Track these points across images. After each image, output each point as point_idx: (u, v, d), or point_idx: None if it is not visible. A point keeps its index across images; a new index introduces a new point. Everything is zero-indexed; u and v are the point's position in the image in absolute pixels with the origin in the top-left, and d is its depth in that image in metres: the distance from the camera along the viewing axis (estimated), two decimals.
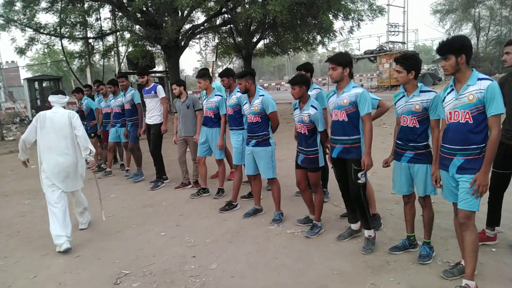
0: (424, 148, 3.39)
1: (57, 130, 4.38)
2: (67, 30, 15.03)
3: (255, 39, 18.71)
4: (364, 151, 3.64)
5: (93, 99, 8.48)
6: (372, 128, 3.65)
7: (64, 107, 4.66)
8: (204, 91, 5.78)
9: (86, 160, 4.61)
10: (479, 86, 2.82)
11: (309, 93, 4.93)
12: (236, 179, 5.27)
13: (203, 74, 5.75)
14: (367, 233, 3.86)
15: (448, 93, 3.02)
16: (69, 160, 4.43)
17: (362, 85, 26.97)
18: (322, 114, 4.11)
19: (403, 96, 3.45)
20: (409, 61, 3.33)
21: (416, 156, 3.41)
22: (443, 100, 3.06)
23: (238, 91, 5.11)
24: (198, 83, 5.80)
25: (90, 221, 5.09)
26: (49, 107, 4.67)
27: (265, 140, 4.63)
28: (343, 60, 3.67)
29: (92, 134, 8.19)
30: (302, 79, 4.15)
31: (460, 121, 2.90)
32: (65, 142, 4.41)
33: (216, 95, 5.64)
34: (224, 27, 18.26)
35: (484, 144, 2.86)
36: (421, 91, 3.35)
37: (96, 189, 5.03)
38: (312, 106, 4.09)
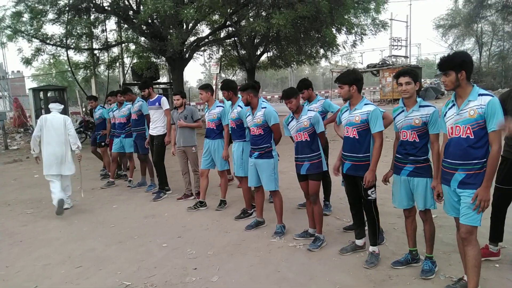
0: (424, 162, 3.41)
1: (55, 129, 6.05)
2: (73, 41, 15.28)
3: (258, 52, 18.91)
4: (370, 167, 3.65)
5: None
6: (382, 146, 3.66)
7: (60, 112, 6.26)
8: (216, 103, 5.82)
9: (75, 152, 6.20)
10: (480, 101, 2.84)
11: (314, 105, 5.04)
12: (244, 189, 5.32)
13: (205, 86, 5.87)
14: (372, 248, 3.85)
15: (449, 108, 3.04)
16: (62, 150, 6.06)
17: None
18: (320, 116, 4.26)
19: (402, 111, 3.49)
20: (415, 73, 3.43)
21: (416, 169, 3.42)
22: (445, 115, 3.08)
23: (239, 105, 5.17)
24: (200, 95, 5.87)
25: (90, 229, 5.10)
26: None
27: (267, 152, 4.65)
28: (348, 79, 3.71)
29: (103, 143, 8.38)
30: (295, 90, 4.32)
31: (461, 136, 2.92)
32: (59, 138, 6.06)
33: (217, 106, 5.68)
34: (228, 40, 18.48)
35: (485, 159, 2.87)
36: (420, 106, 3.38)
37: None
38: (309, 110, 4.26)
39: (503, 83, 25.73)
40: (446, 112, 3.07)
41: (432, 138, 3.33)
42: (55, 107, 6.22)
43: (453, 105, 3.01)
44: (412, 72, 3.41)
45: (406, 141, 3.45)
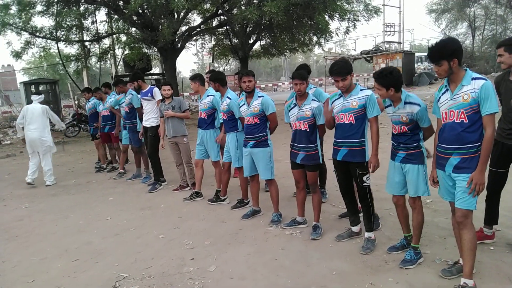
0: (415, 148, 3.40)
1: (35, 116, 7.41)
2: (63, 33, 15.04)
3: (251, 41, 18.77)
4: (372, 152, 3.66)
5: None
6: (379, 130, 3.69)
7: (40, 103, 7.68)
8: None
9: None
10: (474, 85, 2.84)
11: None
12: (241, 179, 5.31)
13: (194, 76, 5.83)
14: (367, 234, 3.87)
15: (443, 93, 3.04)
16: (39, 135, 7.40)
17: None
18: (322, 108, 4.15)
19: (390, 105, 3.47)
20: (385, 78, 3.31)
21: (408, 156, 3.43)
22: (438, 100, 3.07)
23: (228, 97, 5.14)
24: (191, 85, 5.84)
25: (87, 224, 5.08)
26: None
27: (263, 141, 4.64)
28: (347, 70, 3.67)
29: (97, 135, 8.42)
30: (306, 75, 4.21)
31: (456, 121, 2.92)
32: (38, 124, 7.42)
33: (208, 95, 5.64)
34: (220, 29, 18.31)
35: (479, 143, 2.88)
36: (405, 103, 3.34)
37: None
38: (313, 99, 4.16)
39: (496, 67, 25.70)
40: (439, 97, 3.07)
41: (425, 130, 3.38)
42: (35, 98, 7.76)
43: (447, 90, 3.00)
44: (381, 79, 3.32)
45: (398, 133, 3.47)
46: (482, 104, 2.80)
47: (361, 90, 3.73)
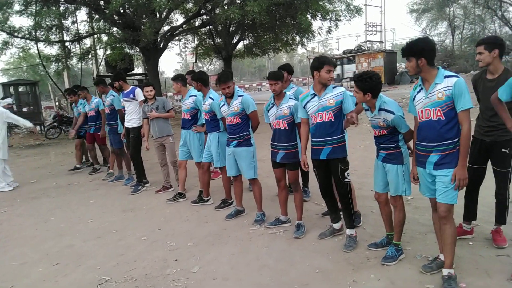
0: (394, 149, 3.43)
1: None
2: (42, 33, 14.77)
3: (234, 40, 18.73)
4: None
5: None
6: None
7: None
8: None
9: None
10: (447, 83, 2.90)
11: (287, 92, 4.99)
12: (224, 179, 5.29)
13: (176, 77, 5.79)
14: (349, 231, 3.91)
15: (417, 92, 3.10)
16: None
17: (341, 85, 27.32)
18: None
19: (368, 109, 3.50)
20: (364, 83, 3.31)
21: (388, 156, 3.47)
22: (414, 99, 3.13)
23: (210, 97, 5.12)
24: (173, 86, 5.82)
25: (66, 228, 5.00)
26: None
27: (246, 140, 4.64)
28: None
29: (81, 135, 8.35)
30: (281, 74, 4.26)
31: (433, 119, 2.98)
32: None
33: (190, 96, 5.61)
34: (203, 29, 18.23)
35: (457, 139, 2.95)
36: (380, 109, 3.34)
37: None
38: (290, 98, 4.21)
39: (475, 65, 26.22)
40: (414, 96, 3.13)
41: (405, 134, 3.41)
42: (1, 102, 8.31)
43: (421, 89, 3.06)
44: (360, 83, 3.35)
45: (378, 136, 3.52)
46: (457, 101, 2.87)
47: (334, 87, 3.77)
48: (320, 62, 3.69)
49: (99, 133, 7.74)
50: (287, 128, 4.17)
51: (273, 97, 4.29)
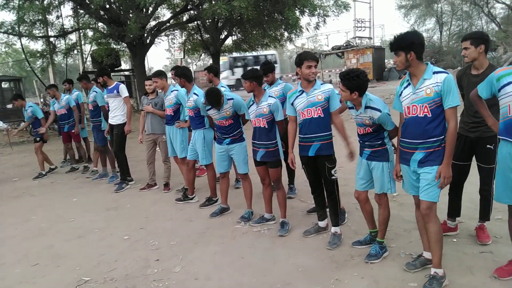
0: (379, 146, 3.40)
1: None
2: (25, 28, 14.43)
3: (222, 36, 18.55)
4: (346, 142, 3.74)
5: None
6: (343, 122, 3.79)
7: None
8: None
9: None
10: (436, 79, 2.84)
11: (275, 88, 4.93)
12: (210, 176, 5.22)
13: (159, 73, 5.70)
14: (334, 229, 3.88)
15: (405, 88, 3.03)
16: None
17: (331, 81, 27.33)
18: (280, 103, 4.17)
19: (353, 107, 3.45)
20: (351, 81, 3.24)
21: (373, 153, 3.43)
22: (400, 95, 3.07)
23: (194, 93, 5.03)
24: (155, 83, 5.69)
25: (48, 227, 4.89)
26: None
27: (240, 136, 4.62)
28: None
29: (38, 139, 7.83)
30: (253, 74, 4.17)
31: (419, 115, 2.92)
32: None
33: (172, 91, 5.52)
34: (190, 24, 18.02)
35: (443, 136, 2.90)
36: (366, 107, 3.29)
37: None
38: (270, 96, 4.16)
39: (462, 61, 26.44)
40: (401, 92, 3.06)
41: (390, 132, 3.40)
42: None
43: (409, 84, 3.00)
44: (346, 81, 3.29)
45: (362, 134, 3.49)
46: (445, 97, 2.81)
47: (321, 84, 3.75)
48: (300, 59, 3.65)
49: (73, 130, 7.60)
50: (267, 127, 4.12)
51: (253, 95, 4.23)
